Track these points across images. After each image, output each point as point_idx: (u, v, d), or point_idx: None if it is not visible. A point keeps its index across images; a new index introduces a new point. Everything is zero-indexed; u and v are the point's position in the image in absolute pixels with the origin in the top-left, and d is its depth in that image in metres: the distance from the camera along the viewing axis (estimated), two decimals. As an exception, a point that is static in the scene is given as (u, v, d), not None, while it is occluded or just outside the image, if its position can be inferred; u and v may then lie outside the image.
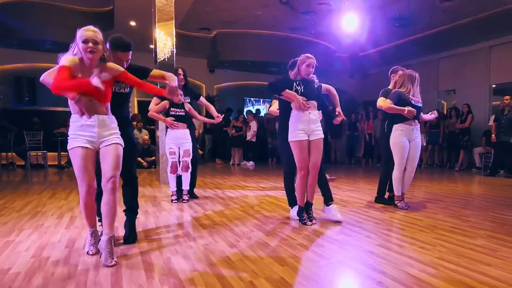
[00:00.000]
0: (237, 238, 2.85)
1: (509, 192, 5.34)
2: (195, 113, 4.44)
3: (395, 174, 3.94)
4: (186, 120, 4.27)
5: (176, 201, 4.34)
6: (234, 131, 9.96)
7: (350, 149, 10.91)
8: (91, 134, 2.28)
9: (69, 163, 8.46)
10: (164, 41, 6.05)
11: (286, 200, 4.06)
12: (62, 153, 8.79)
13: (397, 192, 3.98)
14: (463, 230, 3.08)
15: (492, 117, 7.67)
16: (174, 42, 6.14)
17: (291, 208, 3.60)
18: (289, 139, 3.25)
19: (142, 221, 3.42)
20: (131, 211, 2.83)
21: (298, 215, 3.34)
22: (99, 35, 2.29)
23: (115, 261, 2.27)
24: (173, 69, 4.43)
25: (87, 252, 2.46)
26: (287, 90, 3.13)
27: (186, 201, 4.34)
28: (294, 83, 3.21)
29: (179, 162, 4.31)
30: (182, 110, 4.23)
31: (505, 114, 7.15)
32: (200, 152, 10.17)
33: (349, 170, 8.58)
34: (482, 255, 2.44)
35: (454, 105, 9.71)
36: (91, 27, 2.28)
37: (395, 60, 10.69)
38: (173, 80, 2.64)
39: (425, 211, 3.83)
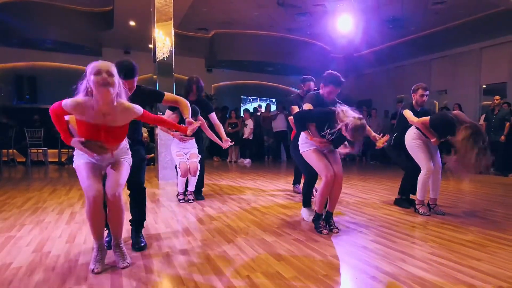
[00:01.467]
0: (234, 234, 2.85)
1: (499, 189, 5.38)
2: (206, 127, 4.22)
3: (422, 177, 3.55)
4: (194, 135, 4.11)
5: (183, 200, 4.17)
6: (230, 128, 9.96)
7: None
8: (96, 161, 2.17)
9: (69, 160, 8.41)
10: (163, 40, 6.02)
11: (282, 197, 4.09)
12: (62, 150, 8.75)
13: (420, 196, 3.59)
14: (454, 226, 3.10)
15: (483, 117, 7.72)
16: (173, 42, 6.12)
17: (303, 208, 3.44)
18: (301, 151, 3.03)
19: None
20: (138, 223, 2.64)
21: (314, 222, 3.04)
22: (113, 68, 2.02)
23: (128, 263, 2.17)
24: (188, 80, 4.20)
25: (92, 269, 2.07)
26: (311, 130, 2.92)
27: (192, 201, 4.17)
28: (328, 130, 2.84)
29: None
30: (189, 118, 4.07)
31: (495, 114, 7.20)
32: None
33: (343, 168, 8.58)
34: (473, 250, 2.46)
35: (446, 105, 9.76)
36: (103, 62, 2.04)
37: (388, 60, 10.73)
38: (186, 107, 2.59)
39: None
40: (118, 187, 2.14)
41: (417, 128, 3.57)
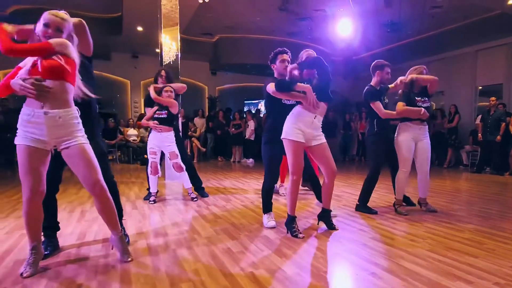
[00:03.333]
0: (238, 231, 2.84)
1: (495, 187, 5.34)
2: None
3: (400, 176, 3.47)
4: (168, 122, 4.03)
5: (153, 202, 3.96)
6: (233, 129, 9.97)
7: (344, 148, 10.91)
8: (40, 133, 1.86)
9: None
10: (169, 45, 6.03)
11: (283, 195, 4.03)
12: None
13: (399, 196, 3.50)
14: (451, 224, 3.07)
15: (479, 117, 7.67)
16: (179, 46, 6.13)
17: (264, 214, 3.08)
18: (283, 136, 2.69)
19: (147, 215, 3.42)
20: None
21: (287, 226, 2.78)
22: (67, 23, 1.93)
23: (130, 259, 2.15)
24: (157, 71, 4.35)
25: (21, 273, 1.91)
26: (298, 84, 2.60)
27: (195, 199, 4.11)
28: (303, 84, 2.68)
29: (160, 164, 4.10)
30: (165, 111, 4.00)
31: (491, 115, 7.15)
32: (203, 149, 10.16)
33: (343, 167, 8.57)
34: (470, 247, 2.44)
35: (442, 106, 9.73)
36: (60, 13, 1.92)
37: (386, 63, 10.68)
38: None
39: (415, 206, 3.81)
40: (96, 174, 1.97)
41: (406, 121, 3.44)
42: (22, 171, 1.86)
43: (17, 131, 1.88)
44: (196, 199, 4.14)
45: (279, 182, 4.69)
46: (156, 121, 3.98)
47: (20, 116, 1.88)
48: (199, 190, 4.45)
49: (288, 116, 2.73)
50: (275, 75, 3.09)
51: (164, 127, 3.98)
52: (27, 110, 1.86)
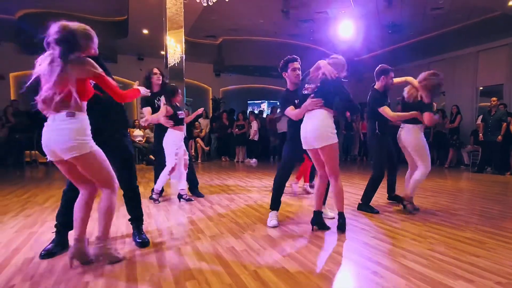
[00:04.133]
0: (242, 230, 2.84)
1: (496, 187, 5.30)
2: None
3: (420, 175, 3.37)
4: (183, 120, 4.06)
5: (158, 201, 3.97)
6: (237, 129, 9.97)
7: (346, 148, 10.89)
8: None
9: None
10: (174, 47, 6.05)
11: (286, 195, 4.00)
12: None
13: (412, 193, 3.43)
14: (452, 223, 3.05)
15: (480, 117, 7.61)
16: (183, 49, 6.15)
17: (272, 211, 3.07)
18: (330, 142, 2.63)
19: (153, 214, 3.42)
20: (138, 219, 2.59)
21: (341, 220, 2.82)
22: None
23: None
24: (149, 69, 4.10)
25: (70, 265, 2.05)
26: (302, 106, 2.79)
27: (185, 196, 4.08)
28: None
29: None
30: (182, 111, 4.00)
31: (492, 115, 7.09)
32: (206, 148, 10.17)
33: (345, 167, 8.54)
34: (471, 246, 2.42)
35: (444, 106, 9.67)
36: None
37: (388, 64, 10.60)
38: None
39: (417, 205, 3.78)
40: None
41: (412, 123, 3.41)
42: (108, 169, 2.05)
43: (86, 138, 1.96)
44: (192, 200, 4.09)
45: (301, 182, 4.74)
46: (171, 122, 3.82)
47: (87, 124, 2.01)
48: (195, 190, 4.40)
49: (322, 119, 2.66)
50: (288, 83, 3.14)
51: (172, 123, 3.87)
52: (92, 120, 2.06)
